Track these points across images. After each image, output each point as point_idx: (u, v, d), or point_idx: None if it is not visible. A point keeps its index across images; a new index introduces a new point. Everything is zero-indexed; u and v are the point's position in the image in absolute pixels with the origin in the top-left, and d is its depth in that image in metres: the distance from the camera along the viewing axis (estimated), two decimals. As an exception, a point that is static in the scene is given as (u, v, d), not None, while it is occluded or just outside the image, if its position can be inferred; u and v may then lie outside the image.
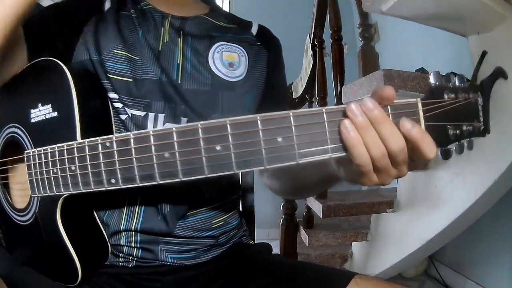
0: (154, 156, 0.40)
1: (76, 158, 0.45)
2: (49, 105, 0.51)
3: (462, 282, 1.84)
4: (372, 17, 2.44)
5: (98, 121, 0.56)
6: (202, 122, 0.37)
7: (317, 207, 1.54)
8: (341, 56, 1.67)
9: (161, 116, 0.60)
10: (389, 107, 0.38)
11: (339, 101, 1.59)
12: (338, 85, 1.62)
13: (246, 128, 0.37)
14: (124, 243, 0.59)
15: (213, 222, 0.65)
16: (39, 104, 0.52)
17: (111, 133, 0.55)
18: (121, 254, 0.60)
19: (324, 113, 0.37)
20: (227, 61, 0.65)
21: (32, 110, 0.52)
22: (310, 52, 2.05)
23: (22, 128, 0.54)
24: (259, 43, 0.71)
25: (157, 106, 0.60)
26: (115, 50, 0.60)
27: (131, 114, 0.59)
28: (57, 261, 0.53)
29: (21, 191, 0.58)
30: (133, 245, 0.59)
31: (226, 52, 0.66)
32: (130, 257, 0.60)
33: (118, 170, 0.42)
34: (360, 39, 1.80)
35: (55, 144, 0.47)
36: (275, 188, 0.71)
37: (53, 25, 0.58)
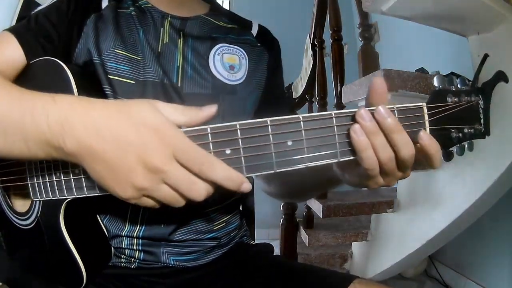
0: None
1: None
2: None
3: (462, 282, 1.85)
4: (372, 17, 2.43)
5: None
6: (211, 125, 0.37)
7: (317, 207, 1.54)
8: (341, 56, 1.67)
9: None
10: (396, 111, 0.39)
11: (339, 101, 1.59)
12: (338, 85, 1.62)
13: (257, 132, 0.37)
14: (125, 246, 0.59)
15: (215, 224, 0.64)
16: None
17: None
18: (123, 256, 0.60)
19: (334, 117, 0.38)
20: (228, 63, 0.64)
21: None
22: (310, 52, 2.05)
23: None
24: (259, 45, 0.70)
25: None
26: (116, 50, 0.58)
27: None
28: (61, 265, 0.53)
29: (22, 194, 0.57)
30: (134, 247, 0.59)
31: (227, 55, 0.65)
32: (132, 259, 0.60)
33: None
34: (360, 39, 1.80)
35: None
36: (271, 192, 0.71)
37: (52, 29, 0.57)
